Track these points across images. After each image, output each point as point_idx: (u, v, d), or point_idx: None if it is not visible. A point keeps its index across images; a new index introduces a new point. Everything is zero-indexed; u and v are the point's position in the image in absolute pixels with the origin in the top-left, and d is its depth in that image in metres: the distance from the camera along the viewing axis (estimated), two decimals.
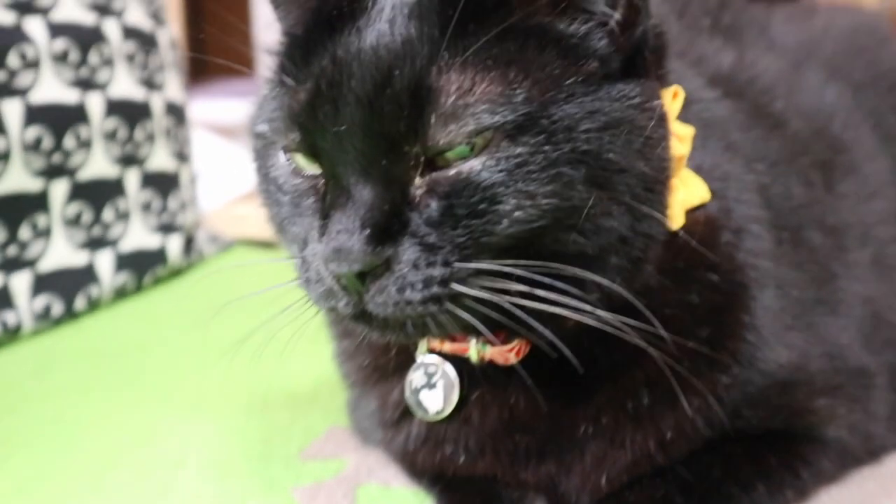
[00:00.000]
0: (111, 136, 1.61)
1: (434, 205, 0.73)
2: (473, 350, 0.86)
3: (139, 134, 1.68)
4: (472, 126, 0.72)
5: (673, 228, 0.84)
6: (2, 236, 1.45)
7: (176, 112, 1.81)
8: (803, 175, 1.08)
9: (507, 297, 0.73)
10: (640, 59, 0.80)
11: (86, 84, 1.57)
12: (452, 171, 0.73)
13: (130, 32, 1.69)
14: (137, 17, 1.72)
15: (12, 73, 1.46)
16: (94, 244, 1.59)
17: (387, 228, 0.72)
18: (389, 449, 0.98)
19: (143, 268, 1.68)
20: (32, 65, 1.49)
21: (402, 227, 0.73)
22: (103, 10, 1.63)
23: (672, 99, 0.85)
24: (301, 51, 0.78)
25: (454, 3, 0.73)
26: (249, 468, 1.06)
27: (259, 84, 0.87)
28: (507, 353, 0.85)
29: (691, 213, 0.87)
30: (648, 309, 0.79)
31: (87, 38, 1.58)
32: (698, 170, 0.89)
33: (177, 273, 1.79)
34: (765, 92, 1.17)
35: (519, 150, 0.72)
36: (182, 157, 1.82)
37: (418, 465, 0.95)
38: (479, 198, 0.72)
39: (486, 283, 0.73)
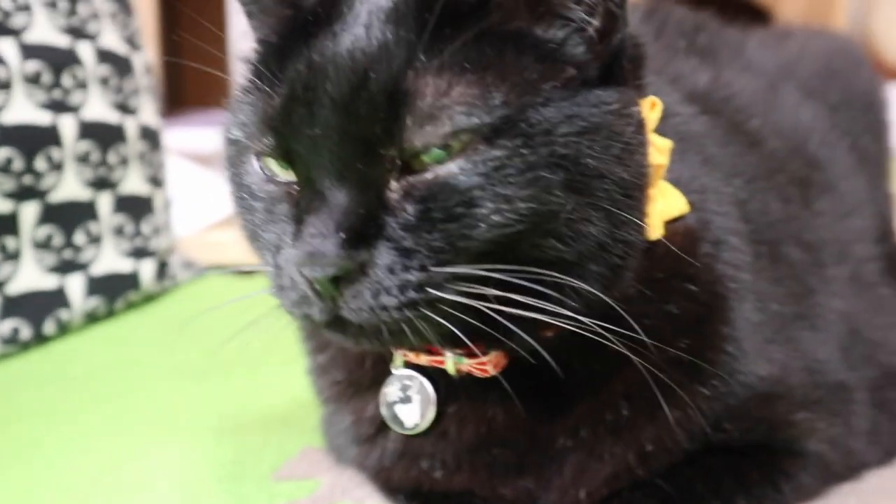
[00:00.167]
0: (84, 158, 1.59)
1: (410, 209, 0.72)
2: (450, 363, 0.85)
3: (112, 157, 1.66)
4: (448, 128, 0.71)
5: (652, 238, 0.84)
6: None
7: (150, 136, 1.80)
8: (781, 191, 1.08)
9: (485, 303, 0.72)
10: (617, 68, 0.80)
11: (58, 106, 1.55)
12: (429, 175, 0.72)
13: (105, 56, 1.67)
14: (112, 40, 1.71)
15: None
16: (65, 267, 1.57)
17: (362, 232, 0.71)
18: (364, 465, 0.96)
19: (115, 292, 1.66)
20: (4, 86, 1.47)
21: (377, 231, 0.72)
22: (77, 33, 1.62)
23: (650, 109, 0.85)
24: (276, 56, 0.77)
25: (431, 8, 0.73)
26: (221, 489, 1.04)
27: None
28: (484, 366, 0.84)
29: (670, 224, 0.87)
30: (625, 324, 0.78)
31: (60, 61, 1.57)
32: (676, 182, 0.89)
33: (150, 298, 1.77)
34: (741, 110, 1.17)
35: (496, 153, 0.71)
36: (156, 181, 1.80)
37: (394, 482, 0.93)
38: (457, 201, 0.71)
39: (463, 288, 0.72)
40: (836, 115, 1.32)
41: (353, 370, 0.93)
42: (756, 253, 0.97)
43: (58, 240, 1.55)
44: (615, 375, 0.85)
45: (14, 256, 1.49)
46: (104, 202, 1.65)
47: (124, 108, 1.71)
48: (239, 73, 0.84)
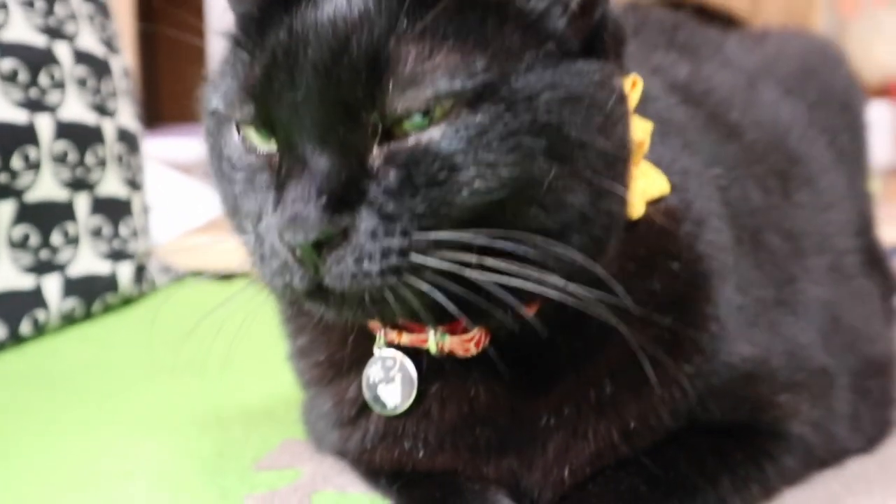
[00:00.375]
0: (61, 158, 1.58)
1: (392, 174, 0.72)
2: (432, 341, 0.84)
3: (90, 158, 1.65)
4: (430, 92, 0.71)
5: (634, 217, 0.84)
6: None
7: (129, 139, 1.78)
8: (761, 181, 1.09)
9: (468, 271, 0.72)
10: (599, 42, 0.80)
11: (35, 105, 1.54)
12: (411, 141, 0.72)
13: (82, 57, 1.66)
14: (90, 42, 1.70)
15: None
16: (42, 268, 1.55)
17: (344, 197, 0.71)
18: (346, 448, 0.95)
19: (92, 294, 1.64)
20: None
21: (359, 196, 0.71)
22: (54, 33, 1.61)
23: (631, 88, 0.85)
24: (256, 27, 0.77)
25: None
26: (201, 480, 1.02)
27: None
28: (467, 343, 0.84)
29: (651, 204, 0.87)
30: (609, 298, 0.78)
31: (37, 60, 1.56)
32: (657, 163, 0.89)
33: (128, 301, 1.75)
34: (721, 103, 1.18)
35: (479, 118, 0.71)
36: (134, 184, 1.79)
37: (376, 463, 0.92)
38: (439, 166, 0.71)
39: (446, 254, 0.72)
40: (814, 113, 1.32)
41: (334, 352, 0.92)
42: (737, 238, 0.97)
43: (34, 239, 1.54)
44: (599, 353, 0.85)
45: None
46: (82, 203, 1.63)
47: (102, 110, 1.70)
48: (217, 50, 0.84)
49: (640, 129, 0.85)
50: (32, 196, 1.53)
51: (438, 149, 0.71)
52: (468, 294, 0.72)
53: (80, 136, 1.63)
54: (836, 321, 1.08)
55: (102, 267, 1.67)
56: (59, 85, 1.60)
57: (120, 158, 1.74)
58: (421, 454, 0.88)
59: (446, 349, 0.85)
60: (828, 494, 0.96)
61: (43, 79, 1.56)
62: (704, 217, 0.92)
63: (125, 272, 1.72)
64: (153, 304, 1.76)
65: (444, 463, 0.88)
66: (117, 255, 1.71)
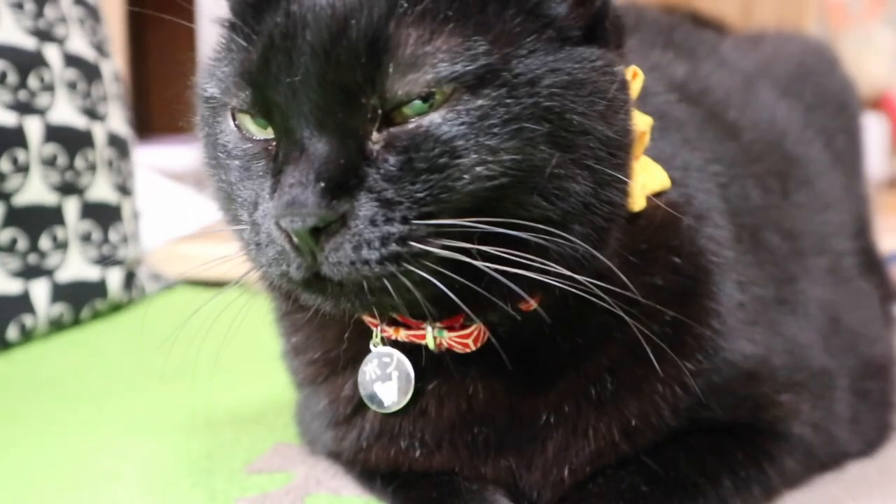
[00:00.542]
0: (50, 162, 1.56)
1: (392, 159, 0.70)
2: (430, 337, 0.83)
3: (80, 162, 1.63)
4: (430, 75, 0.69)
5: (635, 210, 0.82)
6: None
7: (119, 144, 1.76)
8: (760, 180, 1.08)
9: (469, 259, 0.70)
10: (600, 30, 0.79)
11: (24, 108, 1.52)
12: (411, 125, 0.70)
13: (72, 60, 1.65)
14: (80, 45, 1.68)
15: None
16: (30, 272, 1.53)
17: (343, 183, 0.69)
18: (341, 448, 0.92)
19: (81, 300, 1.62)
20: None
21: (358, 181, 0.69)
22: (44, 36, 1.59)
23: (633, 78, 0.84)
24: (253, 12, 0.75)
25: None
26: (191, 482, 1.00)
27: None
28: (465, 339, 0.82)
29: (652, 198, 0.85)
30: (612, 289, 0.76)
31: (26, 62, 1.54)
32: (658, 158, 0.88)
33: (117, 308, 1.73)
34: (718, 102, 1.17)
35: (480, 102, 0.70)
36: (125, 190, 1.77)
37: (371, 463, 0.90)
38: (440, 151, 0.69)
39: (447, 242, 0.70)
40: (810, 115, 1.32)
41: (329, 349, 0.90)
42: (737, 236, 0.96)
43: (22, 244, 1.51)
44: (599, 349, 0.83)
45: None
46: (71, 208, 1.61)
47: (92, 114, 1.68)
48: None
49: (641, 123, 0.84)
50: (21, 199, 1.51)
51: (439, 133, 0.69)
52: (469, 283, 0.71)
53: (70, 140, 1.61)
54: (836, 322, 1.07)
55: (91, 273, 1.65)
56: (49, 88, 1.58)
57: (110, 163, 1.72)
58: (418, 453, 0.86)
59: (444, 345, 0.83)
60: (828, 498, 0.95)
61: (32, 81, 1.55)
62: (705, 212, 0.91)
63: (114, 278, 1.69)
64: (142, 310, 1.74)
65: (441, 462, 0.86)
66: (107, 261, 1.68)
